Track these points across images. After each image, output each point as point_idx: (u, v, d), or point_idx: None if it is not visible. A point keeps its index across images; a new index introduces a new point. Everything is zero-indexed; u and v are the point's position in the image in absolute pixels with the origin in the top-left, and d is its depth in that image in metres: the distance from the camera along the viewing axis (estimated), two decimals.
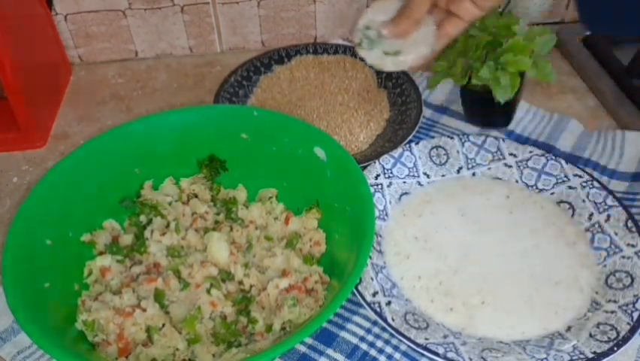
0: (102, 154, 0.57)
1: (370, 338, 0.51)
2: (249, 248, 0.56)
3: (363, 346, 0.51)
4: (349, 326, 0.52)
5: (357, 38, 0.57)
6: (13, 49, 0.65)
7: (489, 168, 0.63)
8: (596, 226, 0.57)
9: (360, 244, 0.48)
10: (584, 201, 0.59)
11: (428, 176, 0.63)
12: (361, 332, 0.52)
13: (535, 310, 0.52)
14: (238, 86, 0.75)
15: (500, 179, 0.63)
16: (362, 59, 0.57)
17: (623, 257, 0.54)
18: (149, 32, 0.82)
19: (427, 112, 0.73)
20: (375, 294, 0.51)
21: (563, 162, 0.61)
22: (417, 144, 0.64)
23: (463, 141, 0.64)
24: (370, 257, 0.53)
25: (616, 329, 0.48)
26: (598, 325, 0.50)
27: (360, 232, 0.49)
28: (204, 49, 0.85)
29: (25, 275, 0.47)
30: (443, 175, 0.64)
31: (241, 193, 0.61)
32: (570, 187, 0.60)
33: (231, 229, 0.57)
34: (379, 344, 0.51)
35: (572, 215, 0.59)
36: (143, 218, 0.58)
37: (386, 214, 0.60)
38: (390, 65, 0.56)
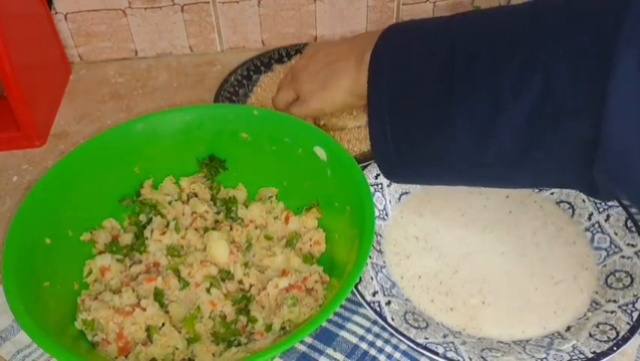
0: (102, 153, 0.56)
1: (370, 337, 0.51)
2: (248, 248, 0.56)
3: (363, 345, 0.51)
4: (349, 325, 0.52)
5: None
6: (13, 48, 0.65)
7: None
8: (596, 225, 0.57)
9: (360, 243, 0.48)
10: (583, 200, 0.59)
11: None
12: (361, 332, 0.52)
13: (535, 310, 0.52)
14: (238, 85, 0.75)
15: None
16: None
17: (623, 257, 0.54)
18: (149, 31, 0.82)
19: None
20: (374, 293, 0.51)
21: None
22: None
23: None
24: (370, 257, 0.53)
25: (616, 328, 0.48)
26: (598, 325, 0.50)
27: (360, 232, 0.49)
28: (204, 48, 0.85)
29: (25, 274, 0.47)
30: None
31: (241, 193, 0.61)
32: None
33: (231, 229, 0.57)
34: (379, 343, 0.51)
35: (572, 215, 0.59)
36: (142, 217, 0.58)
37: (386, 214, 0.60)
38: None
